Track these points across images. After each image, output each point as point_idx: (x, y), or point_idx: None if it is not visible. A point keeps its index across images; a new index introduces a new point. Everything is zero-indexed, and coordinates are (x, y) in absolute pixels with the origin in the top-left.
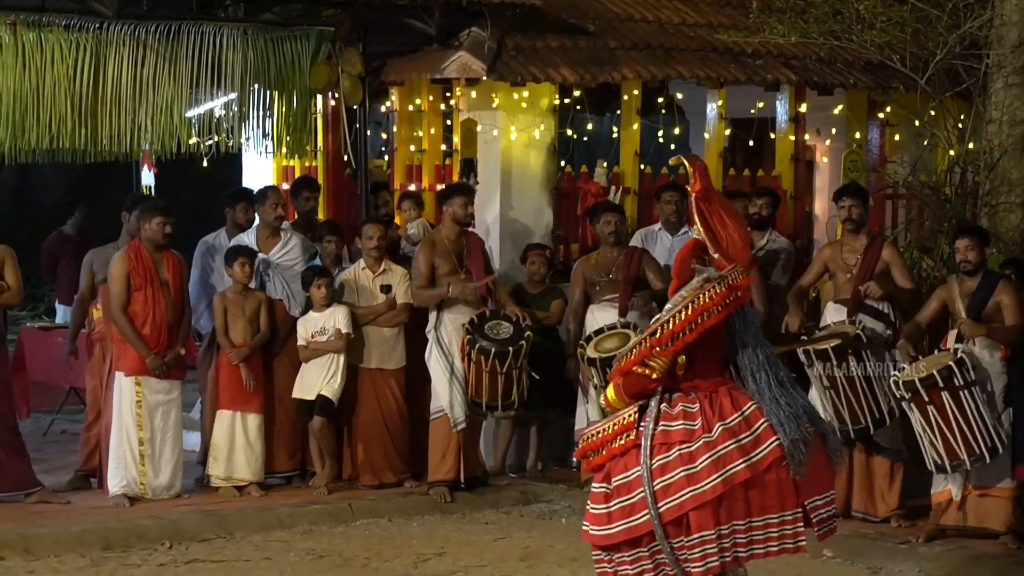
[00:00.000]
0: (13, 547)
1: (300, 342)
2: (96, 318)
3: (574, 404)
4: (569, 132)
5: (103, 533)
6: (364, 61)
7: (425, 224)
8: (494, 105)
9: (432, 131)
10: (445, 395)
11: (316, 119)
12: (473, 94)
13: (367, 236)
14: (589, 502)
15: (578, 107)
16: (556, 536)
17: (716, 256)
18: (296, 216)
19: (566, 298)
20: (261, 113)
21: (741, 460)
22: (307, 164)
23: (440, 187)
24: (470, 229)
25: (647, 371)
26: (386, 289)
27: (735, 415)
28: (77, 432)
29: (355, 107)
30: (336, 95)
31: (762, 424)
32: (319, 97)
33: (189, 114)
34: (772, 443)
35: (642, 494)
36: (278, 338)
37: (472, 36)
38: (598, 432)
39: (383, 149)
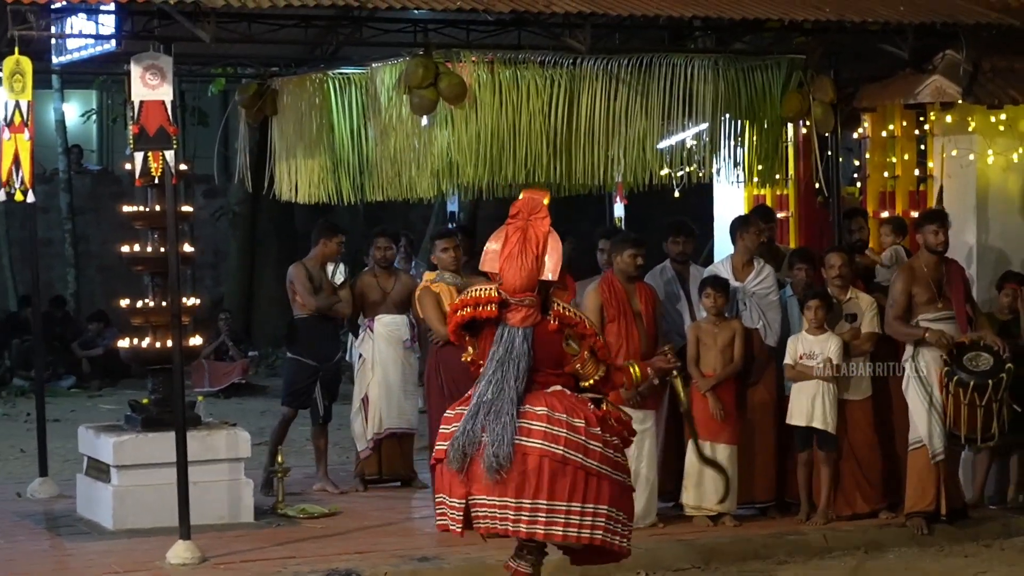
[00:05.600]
0: (495, 572)
1: (787, 361)
2: None
3: None
4: None
5: None
6: (836, 88)
7: (899, 251)
8: (970, 129)
9: (906, 157)
10: (924, 426)
11: (787, 147)
12: (948, 118)
13: (829, 264)
14: None
15: None
16: None
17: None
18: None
19: None
20: (732, 143)
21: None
22: (778, 193)
23: (913, 214)
24: (948, 256)
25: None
26: (851, 318)
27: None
28: None
29: (827, 134)
30: (808, 123)
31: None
32: (790, 125)
33: (660, 146)
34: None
35: None
36: (754, 367)
37: (946, 59)
38: None
39: (855, 176)
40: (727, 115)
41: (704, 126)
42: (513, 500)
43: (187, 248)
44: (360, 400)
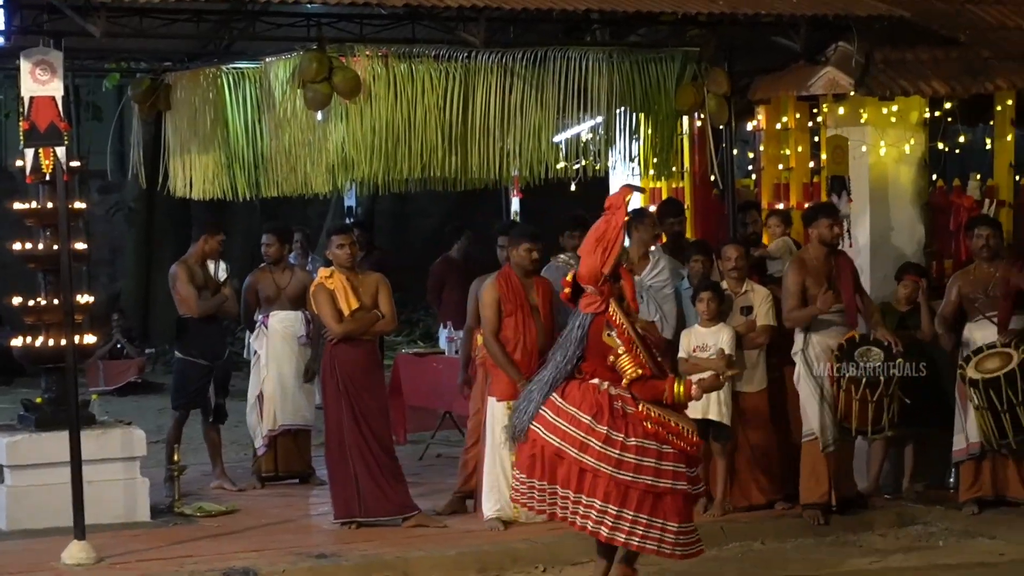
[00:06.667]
0: (393, 569)
1: (681, 354)
2: (479, 344)
3: (951, 421)
4: (940, 145)
5: (479, 556)
6: (730, 80)
7: (788, 243)
8: (862, 120)
9: (799, 149)
10: (815, 418)
11: (682, 140)
12: (840, 110)
13: (725, 257)
14: None
15: (949, 119)
16: (935, 559)
17: None
18: (665, 239)
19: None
20: (627, 136)
21: None
22: (674, 185)
23: (807, 205)
24: (841, 248)
25: None
26: (746, 311)
27: None
28: (453, 456)
29: (721, 127)
30: (702, 115)
31: None
32: (685, 118)
33: (556, 139)
34: None
35: None
36: None
37: (839, 51)
38: None
39: (750, 168)
40: (622, 108)
41: (599, 119)
42: (537, 481)
43: (80, 245)
44: (255, 396)
